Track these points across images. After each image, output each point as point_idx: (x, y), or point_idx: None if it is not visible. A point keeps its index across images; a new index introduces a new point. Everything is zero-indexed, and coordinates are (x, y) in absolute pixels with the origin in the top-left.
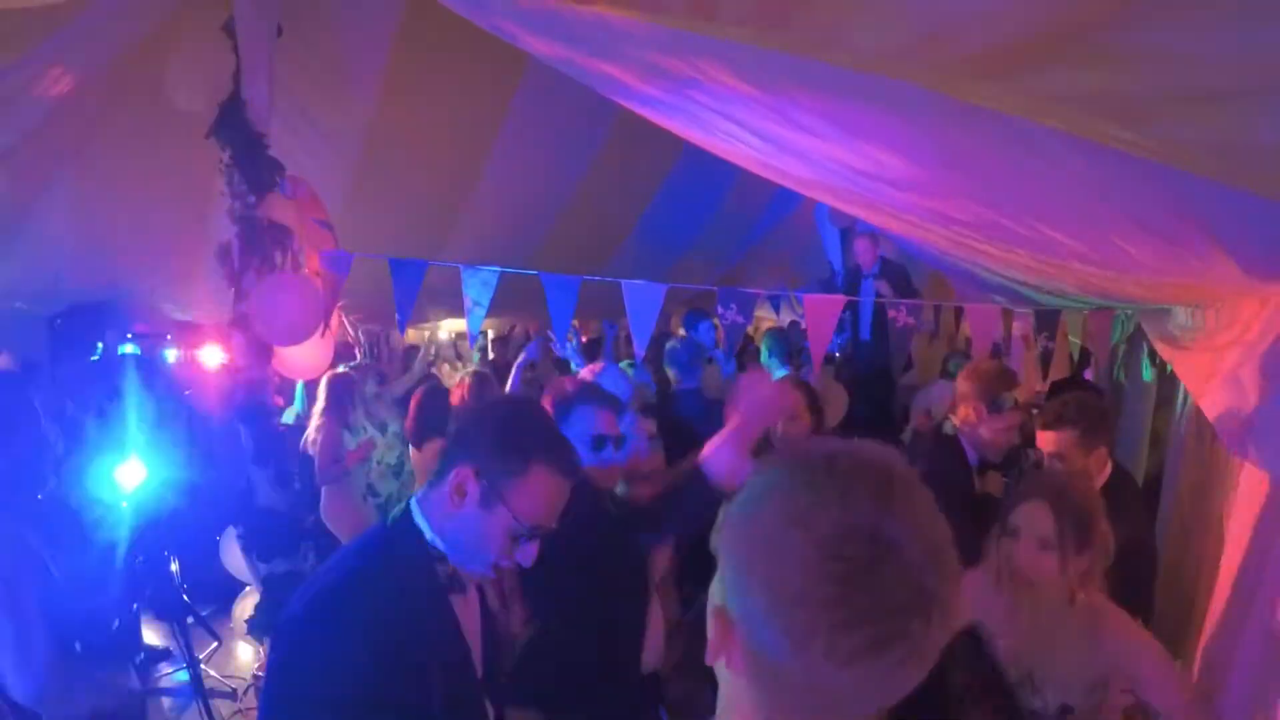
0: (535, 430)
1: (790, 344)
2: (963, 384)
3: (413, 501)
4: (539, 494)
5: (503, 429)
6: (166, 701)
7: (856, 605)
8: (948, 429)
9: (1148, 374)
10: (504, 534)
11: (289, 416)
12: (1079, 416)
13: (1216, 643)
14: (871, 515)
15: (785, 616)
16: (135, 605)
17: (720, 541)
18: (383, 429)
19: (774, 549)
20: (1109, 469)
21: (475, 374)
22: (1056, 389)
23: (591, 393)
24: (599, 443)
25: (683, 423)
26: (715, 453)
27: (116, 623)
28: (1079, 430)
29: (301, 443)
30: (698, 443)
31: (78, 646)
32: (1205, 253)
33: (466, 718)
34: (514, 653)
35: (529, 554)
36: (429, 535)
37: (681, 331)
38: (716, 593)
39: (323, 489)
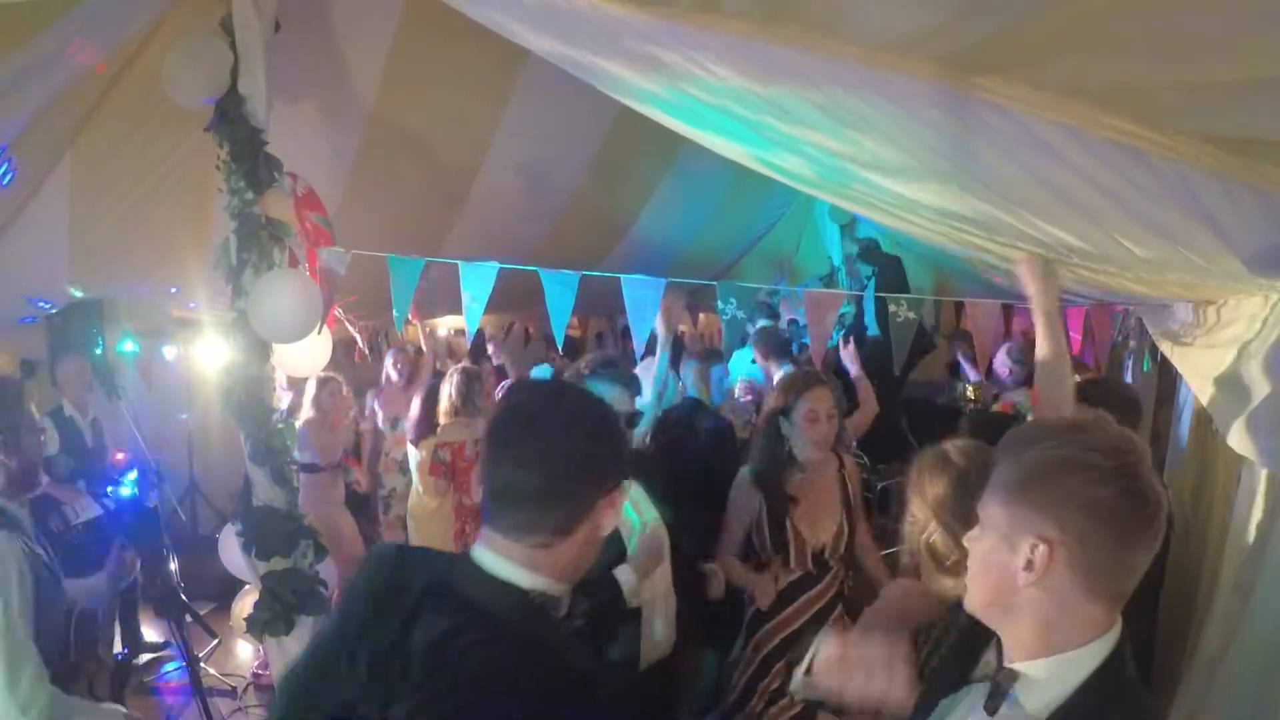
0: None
1: (782, 339)
2: (1001, 370)
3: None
4: None
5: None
6: (166, 700)
7: (1135, 498)
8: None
9: (1146, 365)
10: None
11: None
12: (1106, 400)
13: (1216, 642)
14: (1118, 453)
15: (1100, 518)
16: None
17: (1027, 490)
18: (394, 424)
19: (1082, 477)
20: None
21: (463, 370)
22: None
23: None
24: None
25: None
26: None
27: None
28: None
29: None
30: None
31: (72, 657)
32: (1209, 250)
33: None
34: None
35: None
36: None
37: (684, 327)
38: (1029, 525)
39: (301, 483)
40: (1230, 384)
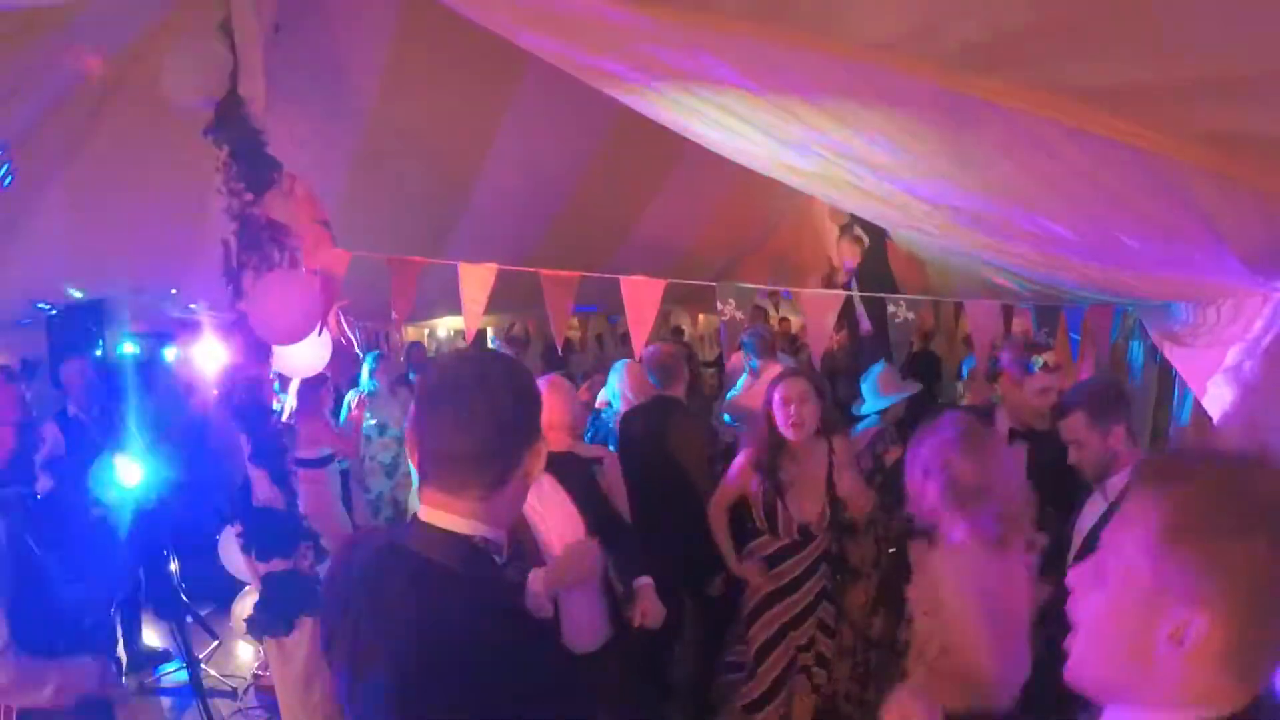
0: None
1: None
2: (1004, 356)
3: None
4: None
5: None
6: (166, 701)
7: None
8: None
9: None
10: None
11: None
12: (1082, 399)
13: None
14: None
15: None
16: (113, 608)
17: (1182, 540)
18: (381, 429)
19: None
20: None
21: None
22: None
23: None
24: None
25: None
26: None
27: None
28: (1086, 412)
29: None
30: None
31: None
32: (1208, 248)
33: None
34: None
35: None
36: None
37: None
38: (1180, 591)
39: (300, 486)
40: (1230, 383)
